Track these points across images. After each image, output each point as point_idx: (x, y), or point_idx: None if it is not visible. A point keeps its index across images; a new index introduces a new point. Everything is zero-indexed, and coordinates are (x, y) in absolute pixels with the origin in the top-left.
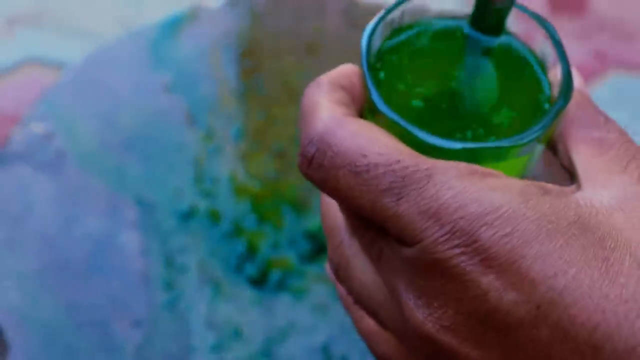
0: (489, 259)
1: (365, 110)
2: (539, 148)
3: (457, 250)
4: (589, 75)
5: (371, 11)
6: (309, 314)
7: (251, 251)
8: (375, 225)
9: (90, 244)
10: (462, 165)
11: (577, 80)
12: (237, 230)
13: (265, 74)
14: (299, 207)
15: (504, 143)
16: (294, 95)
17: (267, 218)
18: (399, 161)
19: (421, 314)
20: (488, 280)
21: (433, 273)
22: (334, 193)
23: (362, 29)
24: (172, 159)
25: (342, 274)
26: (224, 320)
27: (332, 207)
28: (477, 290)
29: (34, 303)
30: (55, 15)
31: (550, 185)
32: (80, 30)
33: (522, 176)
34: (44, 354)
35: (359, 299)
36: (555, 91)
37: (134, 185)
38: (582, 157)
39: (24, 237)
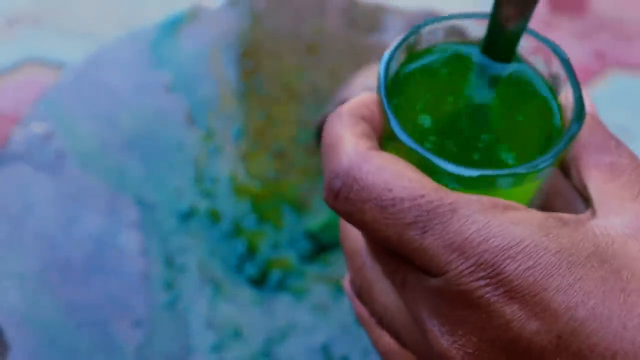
0: (512, 291)
1: (384, 137)
2: (551, 171)
3: (482, 282)
4: (589, 75)
5: (371, 11)
6: (309, 314)
7: (251, 251)
8: (401, 255)
9: (90, 244)
10: (485, 199)
11: (588, 103)
12: (237, 230)
13: (265, 74)
14: (299, 207)
15: (520, 170)
16: (294, 95)
17: (267, 218)
18: (423, 195)
19: (445, 341)
20: (512, 311)
21: (458, 303)
22: (360, 225)
23: (362, 29)
24: (172, 159)
25: (364, 296)
26: (224, 320)
27: (352, 230)
28: (501, 320)
29: (34, 303)
30: (55, 15)
31: (567, 216)
32: (80, 30)
33: (536, 197)
34: (44, 354)
35: (382, 321)
36: (566, 115)
37: (134, 185)
38: (594, 182)
39: (24, 237)
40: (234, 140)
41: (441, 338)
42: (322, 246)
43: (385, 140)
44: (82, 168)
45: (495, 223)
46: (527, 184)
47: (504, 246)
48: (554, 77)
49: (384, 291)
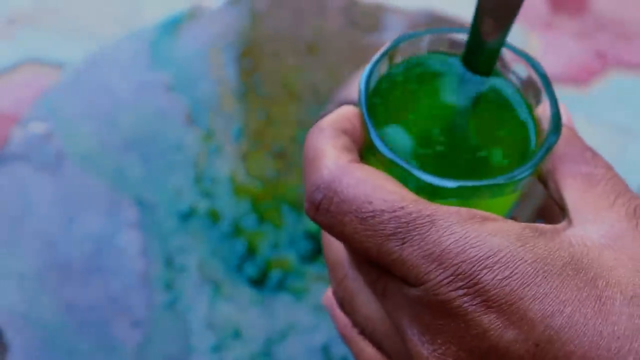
0: (489, 300)
1: (365, 149)
2: (530, 181)
3: (460, 292)
4: (589, 75)
5: (371, 11)
6: (309, 314)
7: (251, 251)
8: (381, 266)
9: (90, 244)
10: (463, 211)
11: (564, 116)
12: (237, 230)
13: (265, 73)
14: (299, 207)
15: (498, 181)
16: (294, 95)
17: (267, 218)
18: (402, 207)
19: (425, 350)
20: (489, 320)
21: (437, 312)
22: (340, 237)
23: (362, 29)
24: (172, 159)
25: (347, 307)
26: (224, 320)
27: (334, 242)
28: (479, 329)
29: (34, 303)
30: (55, 15)
31: (544, 226)
32: (80, 30)
33: (514, 207)
34: (43, 354)
35: (364, 331)
36: (544, 126)
37: (134, 185)
38: (571, 192)
39: (23, 237)
40: (234, 140)
41: (421, 347)
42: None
43: (366, 153)
44: (81, 168)
45: (473, 234)
46: (506, 195)
47: (481, 256)
48: (533, 84)
49: (366, 302)
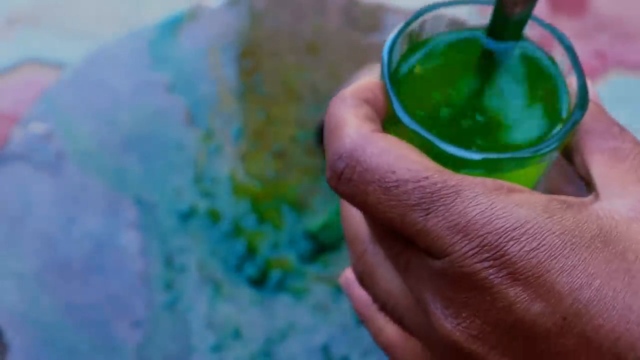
0: (516, 273)
1: (387, 121)
2: (555, 156)
3: (486, 264)
4: (588, 75)
5: (371, 11)
6: (309, 314)
7: (251, 251)
8: (404, 238)
9: (90, 244)
10: (489, 182)
11: (591, 91)
12: (237, 230)
13: (265, 73)
14: (299, 207)
15: (523, 154)
16: (294, 95)
17: (267, 218)
18: (427, 177)
19: (449, 324)
20: (515, 293)
21: (461, 285)
22: (363, 207)
23: (362, 29)
24: (172, 159)
25: (367, 282)
26: (224, 320)
27: (354, 216)
28: (505, 302)
29: (34, 303)
30: (55, 15)
31: (571, 198)
32: (80, 30)
33: (540, 182)
34: (43, 354)
35: (385, 307)
36: (571, 101)
37: (134, 185)
38: (598, 167)
39: (23, 237)
40: (234, 140)
41: (445, 321)
42: (322, 246)
43: (388, 125)
44: (81, 168)
45: (499, 205)
46: (531, 169)
47: (507, 228)
48: (560, 65)
49: (387, 276)
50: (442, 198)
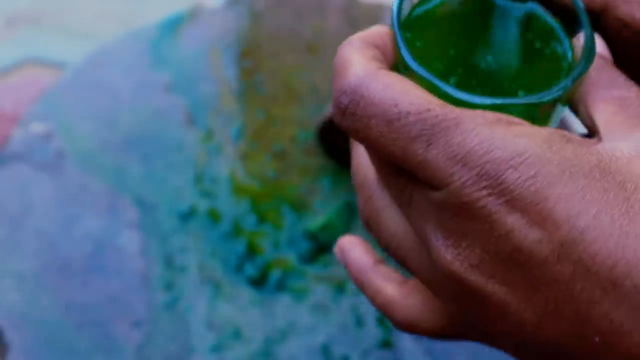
0: (514, 200)
1: (395, 69)
2: (560, 110)
3: (484, 192)
4: None
5: (371, 10)
6: (309, 314)
7: (251, 251)
8: (406, 172)
9: (90, 244)
10: (489, 114)
11: (599, 44)
12: (237, 230)
13: (265, 73)
14: (299, 207)
15: (528, 100)
16: (294, 95)
17: (267, 218)
18: (429, 110)
19: (449, 254)
20: (512, 220)
21: (460, 214)
22: (366, 141)
23: (362, 29)
24: (172, 159)
25: (372, 225)
26: (224, 320)
27: (363, 164)
28: (503, 230)
29: (34, 303)
30: (55, 15)
31: (573, 135)
32: (80, 30)
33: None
34: (43, 354)
35: (389, 248)
36: (577, 54)
37: (134, 185)
38: (602, 114)
39: (23, 237)
40: (234, 140)
41: (445, 252)
42: (322, 246)
43: (395, 71)
44: (81, 168)
45: (498, 135)
46: (536, 119)
47: (506, 157)
48: (569, 21)
49: (392, 218)
50: (442, 130)
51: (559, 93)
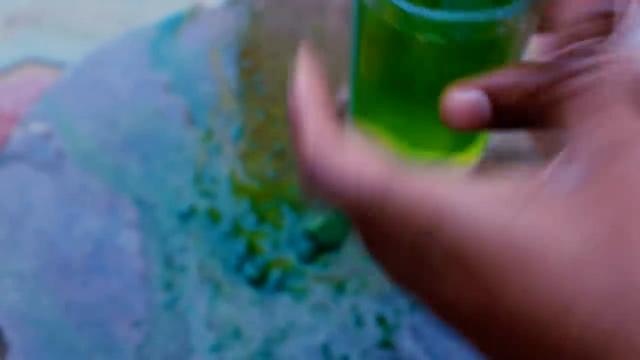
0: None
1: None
2: (524, 40)
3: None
4: None
5: None
6: (309, 314)
7: (251, 251)
8: None
9: (90, 244)
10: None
11: None
12: (237, 230)
13: (265, 73)
14: (299, 207)
15: (495, 14)
16: None
17: (267, 218)
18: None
19: None
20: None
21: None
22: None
23: None
24: (172, 159)
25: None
26: (224, 320)
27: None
28: None
29: (34, 303)
30: (55, 15)
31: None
32: (80, 30)
33: (517, 56)
34: (43, 354)
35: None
36: None
37: (134, 185)
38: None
39: (23, 237)
40: (234, 140)
41: None
42: (322, 246)
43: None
44: (82, 168)
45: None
46: (506, 34)
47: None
48: None
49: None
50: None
51: (515, 10)
